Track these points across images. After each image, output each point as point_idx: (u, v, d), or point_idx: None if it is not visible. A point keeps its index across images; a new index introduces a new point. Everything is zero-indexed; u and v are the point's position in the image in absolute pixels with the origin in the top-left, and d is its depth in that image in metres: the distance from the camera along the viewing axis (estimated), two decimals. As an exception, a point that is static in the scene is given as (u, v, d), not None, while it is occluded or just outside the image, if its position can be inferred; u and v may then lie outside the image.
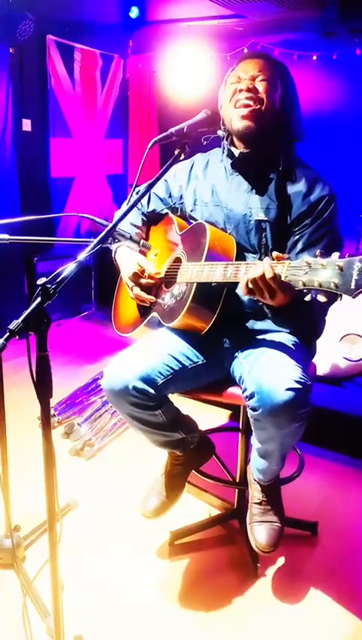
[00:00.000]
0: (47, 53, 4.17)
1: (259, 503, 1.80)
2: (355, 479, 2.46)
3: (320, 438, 2.68)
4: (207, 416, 2.73)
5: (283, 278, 1.35)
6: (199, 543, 2.03)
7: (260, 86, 1.67)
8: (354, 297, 1.23)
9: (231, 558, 1.97)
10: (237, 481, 2.08)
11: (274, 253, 1.41)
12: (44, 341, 1.18)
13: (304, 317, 1.59)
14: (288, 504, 1.88)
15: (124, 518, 2.14)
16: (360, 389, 3.07)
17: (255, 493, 1.81)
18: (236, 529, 2.09)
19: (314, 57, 4.37)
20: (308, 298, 1.29)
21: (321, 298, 1.27)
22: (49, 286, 1.16)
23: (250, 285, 1.43)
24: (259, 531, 1.76)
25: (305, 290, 1.30)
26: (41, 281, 1.16)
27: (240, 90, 1.66)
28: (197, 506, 2.22)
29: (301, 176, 1.69)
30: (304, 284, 1.29)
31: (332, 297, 1.26)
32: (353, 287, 1.22)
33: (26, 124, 4.18)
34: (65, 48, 4.30)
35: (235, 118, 1.68)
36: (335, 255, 1.26)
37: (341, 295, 1.24)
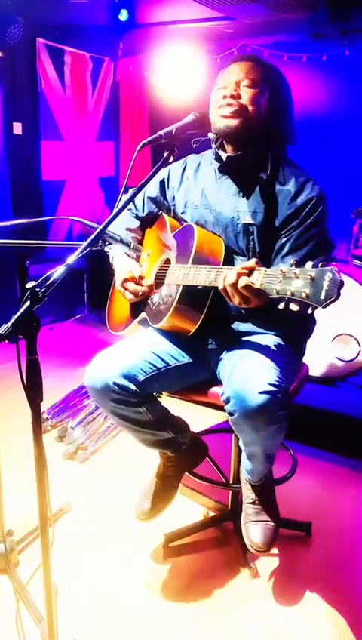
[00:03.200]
0: (37, 57, 4.17)
1: (253, 503, 1.80)
2: (349, 479, 2.47)
3: (314, 438, 2.69)
4: (200, 417, 2.73)
5: (258, 286, 1.35)
6: (194, 545, 2.02)
7: (244, 92, 1.65)
8: (324, 308, 1.23)
9: (225, 560, 1.97)
10: (231, 482, 2.08)
11: (243, 264, 1.43)
12: (33, 345, 1.18)
13: (281, 319, 1.58)
14: (282, 504, 1.88)
15: (119, 521, 2.13)
16: (353, 389, 3.08)
17: (248, 493, 1.82)
18: (230, 530, 2.09)
19: (304, 59, 4.39)
20: (281, 306, 1.29)
21: (293, 307, 1.27)
22: (38, 290, 1.16)
23: (227, 290, 1.46)
24: (254, 531, 1.76)
25: (278, 298, 1.30)
26: (30, 284, 1.16)
27: (224, 97, 1.65)
28: (191, 507, 2.22)
29: (289, 178, 1.68)
30: (277, 293, 1.29)
31: (305, 307, 1.25)
32: (322, 297, 1.22)
33: (17, 128, 4.17)
34: (55, 51, 4.29)
35: (218, 118, 1.67)
36: (309, 264, 1.26)
37: (313, 306, 1.24)
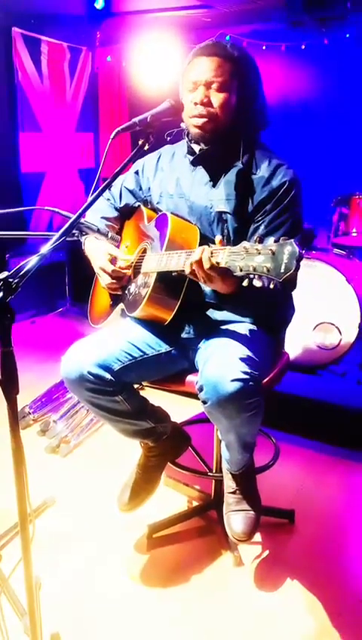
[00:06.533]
0: (13, 47, 4.10)
1: (233, 492, 1.80)
2: (330, 466, 2.48)
3: (296, 426, 2.70)
4: (183, 407, 2.73)
5: (223, 264, 1.36)
6: (177, 535, 2.03)
7: (214, 97, 1.63)
8: (281, 281, 1.23)
9: (210, 549, 1.98)
10: (214, 471, 2.08)
11: (218, 238, 1.45)
12: (8, 336, 1.16)
13: (254, 303, 1.59)
14: (265, 493, 1.89)
15: (102, 514, 2.12)
16: (335, 377, 3.10)
17: (229, 483, 1.82)
18: (214, 519, 2.09)
19: (283, 48, 4.38)
20: (245, 283, 1.30)
21: (256, 283, 1.27)
22: (11, 280, 1.14)
23: (192, 268, 1.47)
24: (235, 520, 1.77)
25: (241, 276, 1.31)
26: (2, 275, 1.14)
27: (196, 104, 1.64)
28: (174, 498, 2.22)
29: (262, 162, 1.68)
30: (241, 269, 1.30)
31: (267, 282, 1.26)
32: (282, 270, 1.22)
33: (-6, 120, 4.12)
34: (31, 41, 4.23)
35: (191, 126, 1.69)
36: (271, 240, 1.27)
37: (274, 280, 1.24)
